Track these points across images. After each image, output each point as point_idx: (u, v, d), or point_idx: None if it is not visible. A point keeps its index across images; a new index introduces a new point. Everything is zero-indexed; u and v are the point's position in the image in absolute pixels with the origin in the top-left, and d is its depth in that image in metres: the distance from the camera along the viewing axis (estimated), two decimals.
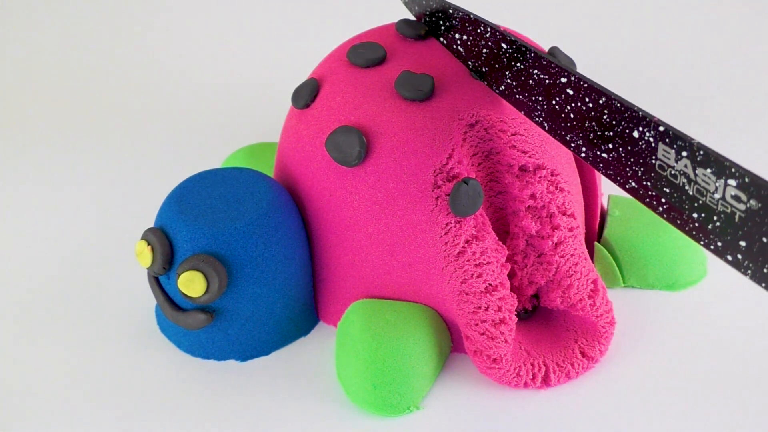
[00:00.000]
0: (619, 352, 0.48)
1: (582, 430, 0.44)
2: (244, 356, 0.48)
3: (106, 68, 0.82)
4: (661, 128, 0.36)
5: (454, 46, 0.47)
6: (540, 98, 0.42)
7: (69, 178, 0.66)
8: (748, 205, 0.32)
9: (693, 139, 0.35)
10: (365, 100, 0.46)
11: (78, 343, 0.50)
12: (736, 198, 0.33)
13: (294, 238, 0.48)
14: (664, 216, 0.37)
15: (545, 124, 0.43)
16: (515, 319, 0.45)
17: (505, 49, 0.43)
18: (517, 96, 0.44)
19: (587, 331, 0.47)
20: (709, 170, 0.34)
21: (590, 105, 0.40)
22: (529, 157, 0.45)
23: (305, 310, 0.50)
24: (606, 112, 0.39)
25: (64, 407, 0.46)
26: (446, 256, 0.44)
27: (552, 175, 0.46)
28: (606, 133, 0.39)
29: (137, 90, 0.79)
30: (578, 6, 0.86)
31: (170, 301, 0.47)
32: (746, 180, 0.32)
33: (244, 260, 0.46)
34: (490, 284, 0.44)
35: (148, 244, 0.46)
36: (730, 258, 0.34)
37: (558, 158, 0.47)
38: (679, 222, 0.37)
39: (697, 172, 0.35)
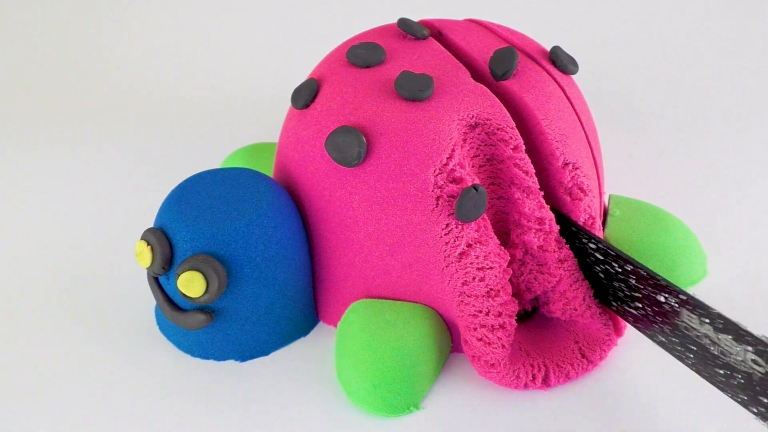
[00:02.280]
0: (619, 352, 0.48)
1: (582, 430, 0.44)
2: (243, 356, 0.48)
3: (106, 68, 0.82)
4: (683, 297, 0.39)
5: None
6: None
7: (68, 179, 0.66)
8: (766, 368, 0.35)
9: (713, 309, 0.37)
10: (365, 100, 0.46)
11: (77, 342, 0.50)
12: (755, 362, 0.36)
13: (293, 239, 0.48)
14: (692, 368, 0.40)
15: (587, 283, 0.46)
16: (515, 324, 0.45)
17: (572, 223, 0.46)
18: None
19: (588, 334, 0.47)
20: (729, 336, 0.37)
21: (617, 269, 0.43)
22: (533, 182, 0.45)
23: (305, 310, 0.50)
24: (632, 277, 0.42)
25: (63, 407, 0.46)
26: (446, 256, 0.44)
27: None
28: (633, 293, 0.43)
29: (137, 90, 0.79)
30: (578, 6, 0.86)
31: (170, 302, 0.47)
32: (761, 348, 0.35)
33: (243, 260, 0.45)
34: (491, 289, 0.44)
35: (148, 245, 0.46)
36: (755, 410, 0.37)
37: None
38: (705, 374, 0.39)
39: (719, 336, 0.37)
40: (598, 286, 0.46)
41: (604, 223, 0.53)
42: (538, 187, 0.46)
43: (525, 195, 0.45)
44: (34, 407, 0.46)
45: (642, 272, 0.41)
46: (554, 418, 0.44)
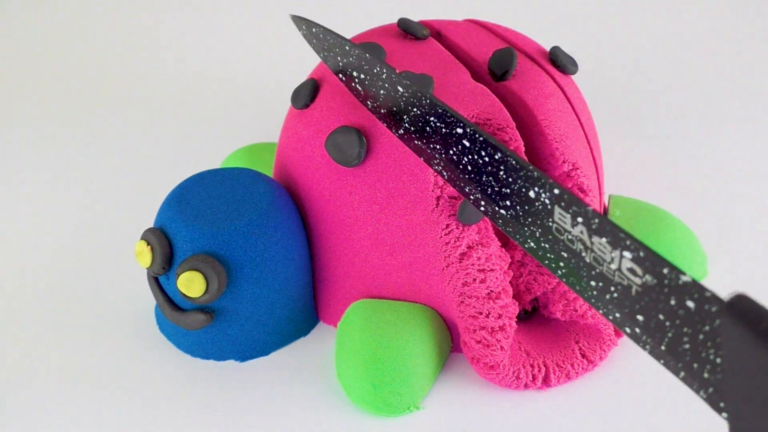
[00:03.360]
0: (619, 352, 0.48)
1: (582, 430, 0.44)
2: (243, 356, 0.48)
3: (106, 68, 0.82)
4: (556, 191, 0.34)
5: (353, 84, 0.46)
6: (438, 146, 0.41)
7: (68, 178, 0.66)
8: (643, 279, 0.31)
9: (588, 206, 0.33)
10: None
11: (77, 342, 0.50)
12: (632, 271, 0.31)
13: (293, 239, 0.48)
14: (564, 280, 0.36)
15: (444, 174, 0.41)
16: (515, 326, 0.45)
17: (401, 92, 0.42)
18: (416, 141, 0.42)
19: (589, 334, 0.47)
20: (604, 239, 0.32)
21: (486, 159, 0.38)
22: None
23: (305, 310, 0.50)
24: (502, 168, 0.37)
25: (63, 407, 0.46)
26: (446, 256, 0.44)
27: None
28: (503, 189, 0.38)
29: (137, 89, 0.79)
30: (578, 6, 0.86)
31: (170, 302, 0.47)
32: (641, 254, 0.31)
33: (243, 260, 0.46)
34: (492, 291, 0.44)
35: (148, 245, 0.46)
36: (628, 330, 0.33)
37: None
38: (578, 288, 0.35)
39: (593, 240, 0.33)
40: (467, 185, 0.40)
41: None
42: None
43: None
44: (33, 406, 0.46)
45: (512, 161, 0.36)
46: (554, 418, 0.44)
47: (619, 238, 0.31)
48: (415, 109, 0.41)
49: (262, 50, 0.83)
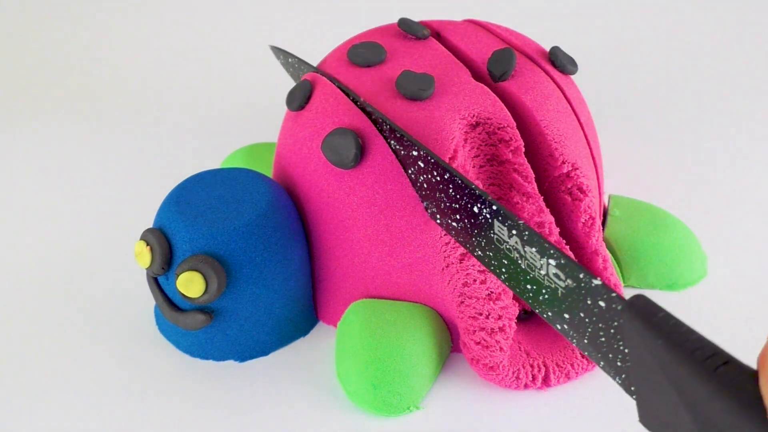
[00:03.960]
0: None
1: (582, 430, 0.43)
2: (243, 357, 0.48)
3: (106, 69, 0.82)
4: (494, 207, 0.38)
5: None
6: (403, 166, 0.44)
7: (68, 179, 0.66)
8: (566, 283, 0.35)
9: (519, 220, 0.37)
10: (365, 100, 0.46)
11: (77, 342, 0.50)
12: (557, 276, 0.35)
13: (293, 239, 0.48)
14: (507, 283, 0.39)
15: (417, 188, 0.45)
16: (515, 327, 0.45)
17: (369, 112, 0.45)
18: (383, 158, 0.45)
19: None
20: (534, 249, 0.36)
21: (438, 179, 0.41)
22: (532, 188, 0.45)
23: (304, 310, 0.50)
24: (450, 186, 0.41)
25: (62, 406, 0.46)
26: (446, 257, 0.44)
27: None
28: (453, 205, 0.41)
29: (136, 90, 0.79)
30: (578, 6, 0.86)
31: (169, 302, 0.47)
32: (562, 261, 0.35)
33: (242, 261, 0.45)
34: (492, 292, 0.44)
35: (147, 245, 0.46)
36: (559, 327, 0.36)
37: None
38: (518, 290, 0.38)
39: (525, 249, 0.37)
40: (425, 199, 0.44)
41: (604, 223, 0.53)
42: (538, 191, 0.46)
43: (524, 199, 0.45)
44: (33, 407, 0.46)
45: (458, 181, 0.40)
46: (554, 418, 0.44)
47: (545, 247, 0.35)
48: (380, 130, 0.45)
49: (263, 50, 0.83)
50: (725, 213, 0.58)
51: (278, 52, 0.51)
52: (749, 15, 0.84)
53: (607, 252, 0.48)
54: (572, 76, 0.52)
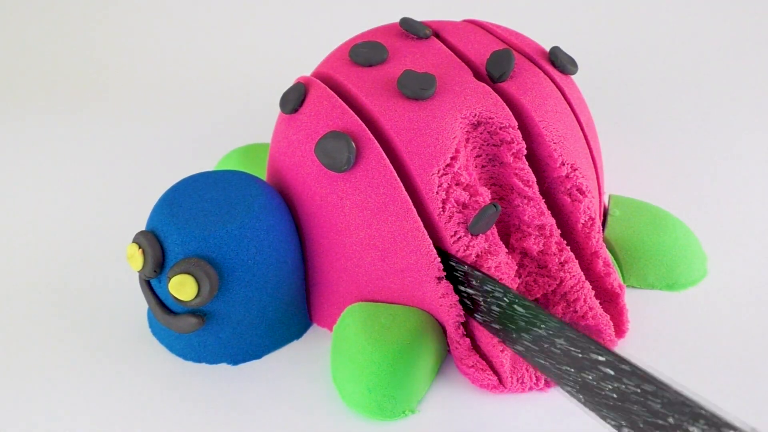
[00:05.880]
0: (619, 352, 0.47)
1: (582, 430, 0.43)
2: (235, 360, 0.48)
3: (100, 69, 0.82)
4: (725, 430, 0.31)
5: (462, 297, 0.45)
6: (569, 368, 0.38)
7: (60, 181, 0.66)
8: None
9: None
10: (367, 99, 0.46)
11: (69, 346, 0.50)
12: None
13: (286, 242, 0.47)
14: None
15: (580, 396, 0.38)
16: None
17: (520, 313, 0.40)
18: (538, 359, 0.40)
19: (590, 335, 0.47)
20: None
21: (633, 389, 0.35)
22: (533, 191, 0.45)
23: (297, 313, 0.49)
24: (654, 399, 0.34)
25: (55, 409, 0.46)
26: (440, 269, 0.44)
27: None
28: (657, 420, 0.34)
29: (130, 91, 0.79)
30: (578, 6, 0.85)
31: (161, 305, 0.47)
32: None
33: (235, 264, 0.45)
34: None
35: (140, 248, 0.46)
36: None
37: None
38: None
39: None
40: (611, 410, 0.36)
41: (604, 223, 0.53)
42: (539, 194, 0.46)
43: (525, 202, 0.45)
44: (25, 409, 0.46)
45: (667, 396, 0.33)
46: (553, 420, 0.44)
47: None
48: (537, 330, 0.39)
49: (263, 49, 0.83)
50: (725, 213, 0.58)
51: None
52: (749, 15, 0.84)
53: (608, 253, 0.48)
54: (572, 76, 0.52)
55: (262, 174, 0.55)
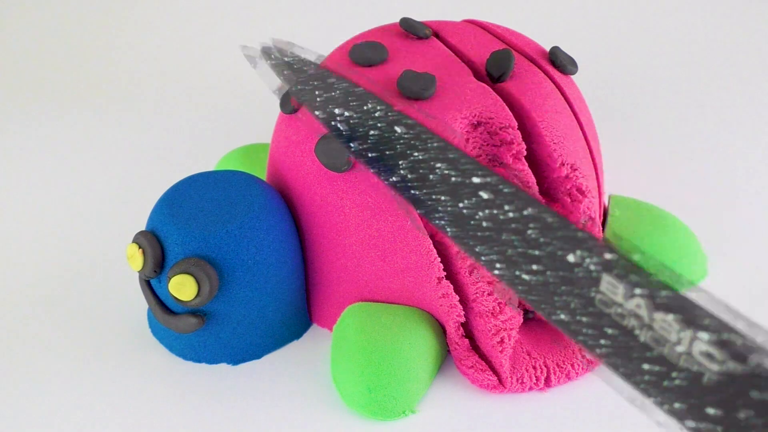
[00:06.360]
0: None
1: (582, 430, 0.43)
2: (235, 360, 0.48)
3: (99, 69, 0.82)
4: (609, 256, 0.29)
5: (333, 122, 0.42)
6: (444, 197, 0.36)
7: (59, 181, 0.66)
8: (724, 366, 0.26)
9: (653, 276, 0.28)
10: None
11: (69, 345, 0.50)
12: (708, 355, 0.26)
13: (286, 242, 0.47)
14: (604, 360, 0.30)
15: (448, 229, 0.36)
16: (516, 336, 0.45)
17: (400, 134, 0.38)
18: (413, 191, 0.37)
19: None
20: (671, 316, 0.27)
21: (510, 215, 0.33)
22: (533, 193, 0.45)
23: (297, 313, 0.49)
24: (533, 226, 0.32)
25: (55, 409, 0.46)
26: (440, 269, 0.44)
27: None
28: (530, 251, 0.32)
29: (129, 90, 0.78)
30: (578, 6, 0.85)
31: (161, 305, 0.47)
32: (725, 336, 0.26)
33: (235, 264, 0.45)
34: (500, 302, 0.44)
35: (139, 248, 0.46)
36: (692, 425, 0.27)
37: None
38: (622, 371, 0.29)
39: (654, 316, 0.28)
40: (481, 242, 0.34)
41: (604, 223, 0.53)
42: (539, 195, 0.46)
43: None
44: (24, 409, 0.46)
45: (548, 219, 0.31)
46: (553, 419, 0.44)
47: (694, 315, 0.27)
48: (416, 153, 0.37)
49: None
50: (725, 213, 0.58)
51: (268, 52, 0.46)
52: (750, 15, 0.84)
53: None
54: (572, 76, 0.52)
55: (262, 174, 0.55)
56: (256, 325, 0.47)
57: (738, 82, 0.75)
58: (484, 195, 0.34)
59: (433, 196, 0.36)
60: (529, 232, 0.32)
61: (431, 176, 0.36)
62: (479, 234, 0.34)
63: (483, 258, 0.34)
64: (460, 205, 0.35)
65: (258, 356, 0.48)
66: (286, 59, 0.44)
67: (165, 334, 0.49)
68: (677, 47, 0.80)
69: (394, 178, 0.38)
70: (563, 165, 0.47)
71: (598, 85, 0.73)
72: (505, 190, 0.33)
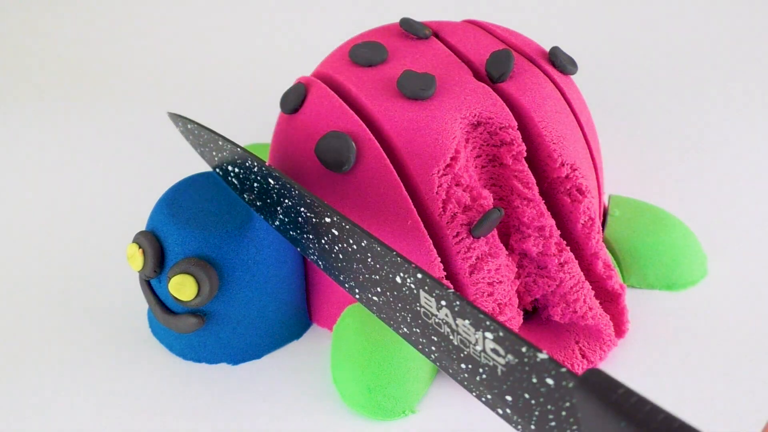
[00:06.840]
0: (618, 352, 0.47)
1: None
2: (235, 360, 0.48)
3: (100, 69, 0.82)
4: (419, 275, 0.34)
5: (229, 179, 0.47)
6: (311, 236, 0.42)
7: (59, 181, 0.66)
8: (506, 359, 0.31)
9: (449, 289, 0.33)
10: (367, 99, 0.46)
11: (70, 345, 0.50)
12: (495, 351, 0.31)
13: (286, 242, 0.47)
14: (438, 364, 0.35)
15: (320, 263, 0.42)
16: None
17: (272, 185, 0.43)
18: (291, 233, 0.43)
19: (589, 334, 0.47)
20: (467, 321, 0.32)
21: (354, 247, 0.38)
22: (533, 193, 0.45)
23: (297, 313, 0.50)
24: (369, 255, 0.37)
25: (55, 409, 0.46)
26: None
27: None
28: (372, 276, 0.38)
29: (130, 90, 0.78)
30: (578, 6, 0.85)
31: (161, 305, 0.47)
32: (501, 334, 0.31)
33: (235, 264, 0.45)
34: (500, 303, 0.44)
35: (140, 248, 0.46)
36: (501, 412, 0.33)
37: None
38: (451, 371, 0.35)
39: (457, 322, 0.33)
40: (341, 273, 0.40)
41: (604, 223, 0.53)
42: (539, 195, 0.46)
43: (525, 204, 0.45)
44: (25, 409, 0.46)
45: (376, 248, 0.36)
46: None
47: (480, 318, 0.31)
48: (286, 201, 0.42)
49: (262, 49, 0.83)
50: (725, 213, 0.58)
51: (176, 119, 0.49)
52: (749, 15, 0.84)
53: (608, 254, 0.48)
54: (572, 76, 0.52)
55: None
56: (256, 325, 0.47)
57: (738, 83, 0.75)
58: (336, 232, 0.39)
59: (304, 236, 0.42)
60: (369, 260, 0.37)
61: (299, 219, 0.42)
62: (338, 265, 0.40)
63: (346, 285, 0.40)
64: (322, 241, 0.40)
65: (258, 356, 0.48)
66: (188, 126, 0.48)
67: (165, 334, 0.49)
68: (677, 47, 0.80)
69: (276, 222, 0.44)
70: (563, 165, 0.46)
71: (598, 85, 0.73)
72: (347, 227, 0.38)
